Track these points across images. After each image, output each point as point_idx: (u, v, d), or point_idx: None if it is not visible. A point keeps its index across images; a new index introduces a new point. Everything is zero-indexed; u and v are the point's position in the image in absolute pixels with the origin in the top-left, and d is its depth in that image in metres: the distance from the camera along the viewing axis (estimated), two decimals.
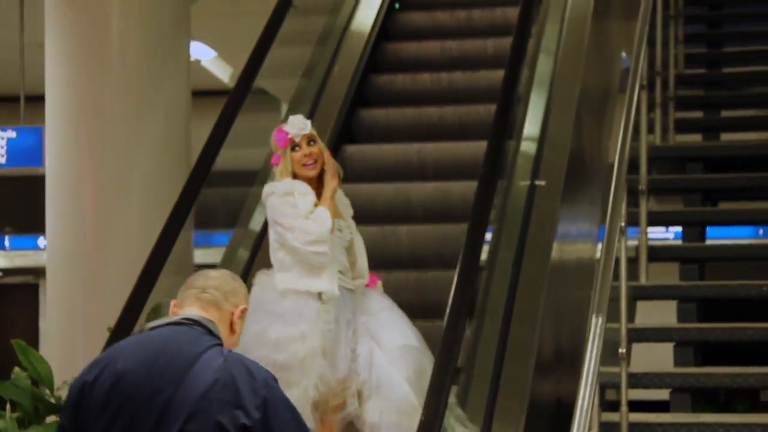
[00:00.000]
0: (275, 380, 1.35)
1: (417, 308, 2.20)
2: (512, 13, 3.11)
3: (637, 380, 2.58)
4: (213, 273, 1.47)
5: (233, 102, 2.67)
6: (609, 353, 2.23)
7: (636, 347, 2.83)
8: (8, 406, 2.58)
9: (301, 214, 2.06)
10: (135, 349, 1.35)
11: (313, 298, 2.06)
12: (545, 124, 2.74)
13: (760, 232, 7.07)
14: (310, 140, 2.12)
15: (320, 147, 2.14)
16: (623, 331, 2.32)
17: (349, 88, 3.28)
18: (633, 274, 2.89)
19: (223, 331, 1.38)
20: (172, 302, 1.42)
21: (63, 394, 2.64)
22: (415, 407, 1.96)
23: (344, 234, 2.14)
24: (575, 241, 2.91)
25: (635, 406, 2.42)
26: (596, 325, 1.96)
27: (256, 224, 2.75)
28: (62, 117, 3.32)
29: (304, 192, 2.08)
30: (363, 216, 2.33)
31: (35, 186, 3.99)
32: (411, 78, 3.44)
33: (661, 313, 3.45)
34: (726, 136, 4.40)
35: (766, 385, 3.25)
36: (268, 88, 3.38)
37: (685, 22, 4.36)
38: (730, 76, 4.73)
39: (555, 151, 2.65)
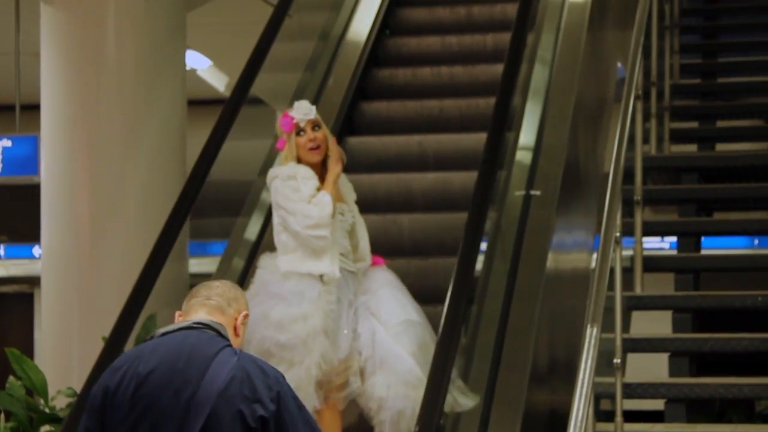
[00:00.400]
0: (283, 377, 1.44)
1: (418, 294, 2.22)
2: (511, 9, 3.15)
3: (632, 390, 2.58)
4: (215, 283, 1.55)
5: (229, 111, 2.68)
6: (604, 363, 2.23)
7: (631, 357, 2.83)
8: (2, 416, 2.58)
9: (303, 198, 2.11)
10: (154, 353, 1.43)
11: (315, 280, 2.11)
12: (541, 134, 2.75)
13: (755, 242, 7.07)
14: (314, 125, 2.17)
15: (324, 132, 2.19)
16: (618, 341, 2.31)
17: (351, 81, 3.31)
18: (628, 284, 2.89)
19: (228, 335, 1.46)
20: (177, 313, 1.48)
21: (57, 404, 2.64)
22: (420, 379, 2.01)
23: (346, 217, 2.19)
24: (570, 250, 2.91)
25: (630, 416, 2.41)
26: (591, 335, 1.96)
27: (251, 234, 2.76)
28: (58, 126, 3.32)
29: (307, 176, 2.12)
30: (365, 205, 2.36)
31: (30, 195, 3.98)
32: (412, 72, 3.48)
33: (657, 324, 3.44)
34: (721, 147, 4.40)
35: (761, 395, 3.25)
36: (264, 97, 3.38)
37: (680, 32, 4.38)
38: (726, 86, 4.75)
39: (551, 161, 2.66)
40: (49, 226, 3.32)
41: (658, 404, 3.03)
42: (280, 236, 2.15)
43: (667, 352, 3.04)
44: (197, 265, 3.56)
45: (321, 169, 2.15)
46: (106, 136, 3.24)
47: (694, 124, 4.48)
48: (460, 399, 1.99)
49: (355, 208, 2.25)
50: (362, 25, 3.52)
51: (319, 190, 2.12)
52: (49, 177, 3.33)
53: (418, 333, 2.11)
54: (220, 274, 2.59)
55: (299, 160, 2.14)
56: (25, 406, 2.49)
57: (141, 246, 2.64)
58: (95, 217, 3.24)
